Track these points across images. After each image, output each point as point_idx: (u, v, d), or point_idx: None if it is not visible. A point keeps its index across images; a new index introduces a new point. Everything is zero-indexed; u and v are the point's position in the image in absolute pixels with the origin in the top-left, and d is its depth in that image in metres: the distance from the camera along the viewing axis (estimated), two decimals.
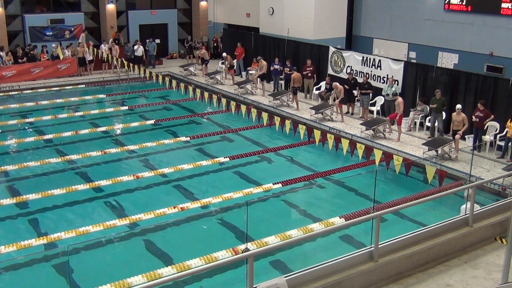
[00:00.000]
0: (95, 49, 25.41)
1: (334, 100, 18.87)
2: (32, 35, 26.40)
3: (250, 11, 28.50)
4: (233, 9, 30.27)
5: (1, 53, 23.67)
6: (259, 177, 14.36)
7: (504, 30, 19.30)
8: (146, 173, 14.27)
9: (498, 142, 15.31)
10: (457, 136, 14.96)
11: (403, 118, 16.81)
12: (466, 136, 15.83)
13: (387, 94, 17.70)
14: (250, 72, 23.89)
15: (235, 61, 25.44)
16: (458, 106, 15.25)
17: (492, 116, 15.20)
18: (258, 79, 22.87)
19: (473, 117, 15.16)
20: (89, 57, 25.47)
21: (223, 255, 10.02)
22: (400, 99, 16.67)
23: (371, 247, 6.46)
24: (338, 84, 18.84)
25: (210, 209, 12.41)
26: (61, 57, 24.67)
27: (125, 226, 11.47)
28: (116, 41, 27.15)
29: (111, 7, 28.19)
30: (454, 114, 15.26)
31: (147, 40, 27.18)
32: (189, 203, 12.46)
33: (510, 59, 19.15)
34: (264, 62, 22.77)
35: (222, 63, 25.55)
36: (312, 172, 14.69)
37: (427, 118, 17.12)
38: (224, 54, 24.65)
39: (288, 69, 21.46)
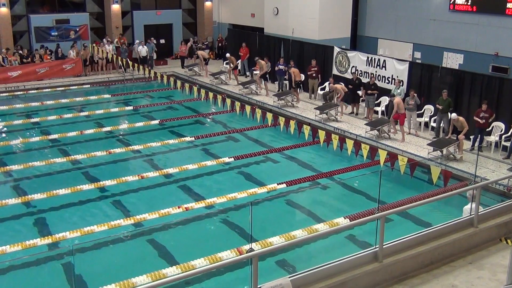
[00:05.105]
0: (99, 49, 25.52)
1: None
2: (38, 36, 26.50)
3: (255, 11, 28.50)
4: (237, 9, 30.28)
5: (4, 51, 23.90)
6: (263, 177, 14.36)
7: (509, 30, 19.23)
8: (151, 173, 14.30)
9: (503, 143, 15.26)
10: (461, 137, 14.92)
11: (405, 118, 16.77)
12: (470, 137, 15.78)
13: (393, 95, 17.68)
14: (254, 72, 23.91)
15: (239, 61, 25.49)
16: (453, 115, 15.19)
17: (494, 115, 15.19)
18: (262, 79, 22.89)
19: (478, 118, 15.08)
20: (97, 57, 25.63)
21: (228, 255, 10.02)
22: (396, 99, 16.68)
23: (375, 248, 6.46)
24: (336, 86, 18.92)
25: (214, 209, 12.41)
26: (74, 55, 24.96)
27: (129, 226, 11.49)
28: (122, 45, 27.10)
29: (116, 7, 28.24)
30: (452, 119, 15.21)
31: (147, 41, 27.28)
32: (194, 203, 12.47)
33: None
34: (263, 62, 22.72)
35: (227, 64, 25.59)
36: (317, 173, 14.67)
37: (433, 119, 17.09)
38: (228, 55, 24.68)
39: (300, 76, 21.56)
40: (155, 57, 27.54)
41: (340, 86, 18.88)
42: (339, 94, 18.75)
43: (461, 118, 15.10)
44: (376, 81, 18.91)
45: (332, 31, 24.31)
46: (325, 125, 17.88)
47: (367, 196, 12.95)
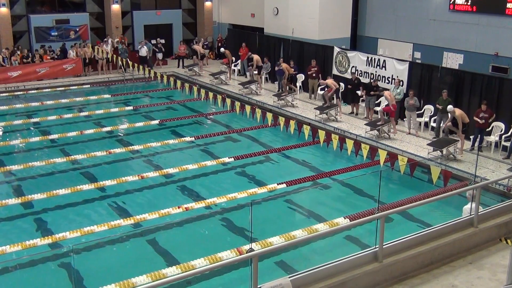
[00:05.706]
0: (98, 49, 25.53)
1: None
2: (38, 36, 26.50)
3: (255, 11, 28.50)
4: (237, 9, 30.28)
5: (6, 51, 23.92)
6: (263, 177, 14.37)
7: (509, 30, 19.22)
8: (151, 173, 14.30)
9: (503, 143, 15.26)
10: (460, 134, 14.92)
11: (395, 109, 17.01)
12: (470, 137, 15.79)
13: (382, 89, 17.79)
14: (254, 72, 23.92)
15: (239, 61, 25.54)
16: (449, 107, 15.23)
17: (494, 115, 15.20)
18: (262, 77, 23.02)
19: (478, 119, 15.09)
20: (99, 57, 25.66)
21: (228, 255, 10.02)
22: (386, 92, 17.07)
23: (375, 248, 6.46)
24: (327, 81, 19.20)
25: (214, 209, 12.42)
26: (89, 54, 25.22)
27: (129, 226, 11.49)
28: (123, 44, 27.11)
29: (116, 7, 28.23)
30: (449, 112, 15.29)
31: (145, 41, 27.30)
32: (194, 203, 12.48)
33: None
34: (257, 56, 23.16)
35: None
36: (317, 173, 14.68)
37: (433, 119, 17.09)
38: (222, 49, 25.08)
39: (293, 70, 21.57)
40: (161, 57, 27.60)
41: (331, 81, 18.95)
42: (328, 89, 18.90)
43: (458, 112, 15.06)
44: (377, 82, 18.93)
45: (332, 31, 24.31)
46: (325, 125, 17.88)
47: (367, 196, 12.96)
